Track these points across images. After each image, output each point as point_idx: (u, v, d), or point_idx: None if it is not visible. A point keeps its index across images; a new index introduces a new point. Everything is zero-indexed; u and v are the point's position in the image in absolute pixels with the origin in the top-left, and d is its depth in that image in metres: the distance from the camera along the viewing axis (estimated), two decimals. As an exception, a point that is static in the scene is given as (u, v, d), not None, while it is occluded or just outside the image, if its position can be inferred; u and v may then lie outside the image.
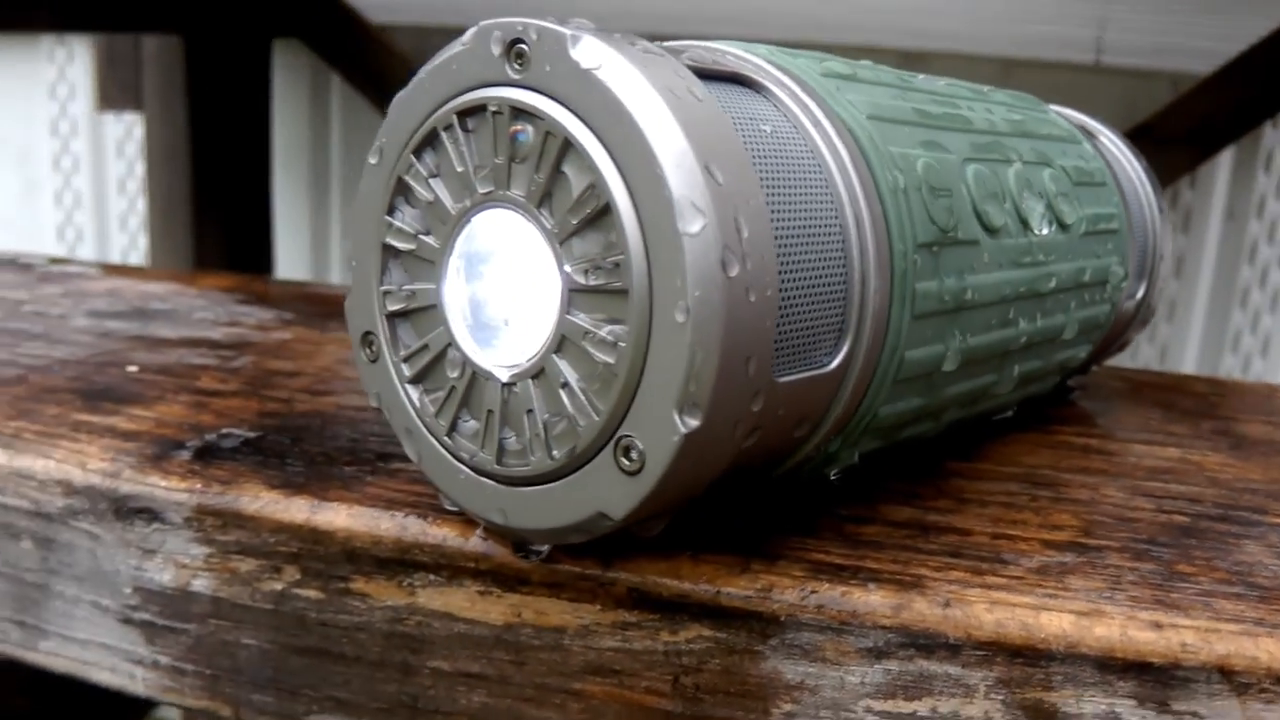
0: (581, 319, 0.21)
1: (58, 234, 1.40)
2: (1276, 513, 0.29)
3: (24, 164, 1.40)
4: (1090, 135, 0.39)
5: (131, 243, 1.38)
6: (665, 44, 0.25)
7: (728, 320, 0.20)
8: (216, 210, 0.96)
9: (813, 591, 0.23)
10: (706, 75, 0.23)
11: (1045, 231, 0.30)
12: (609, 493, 0.21)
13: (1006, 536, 0.26)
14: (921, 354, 0.25)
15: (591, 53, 0.21)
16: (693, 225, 0.20)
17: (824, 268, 0.23)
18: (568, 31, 0.21)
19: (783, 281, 0.22)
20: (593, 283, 0.21)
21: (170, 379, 0.35)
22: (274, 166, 1.07)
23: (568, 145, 0.21)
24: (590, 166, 0.21)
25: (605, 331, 0.21)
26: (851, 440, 0.26)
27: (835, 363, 0.23)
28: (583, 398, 0.21)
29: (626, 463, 0.21)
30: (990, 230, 0.28)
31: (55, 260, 0.55)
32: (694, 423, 0.20)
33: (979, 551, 0.25)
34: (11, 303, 0.44)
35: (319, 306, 0.47)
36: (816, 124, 0.24)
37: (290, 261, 1.25)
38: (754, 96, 0.24)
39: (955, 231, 0.26)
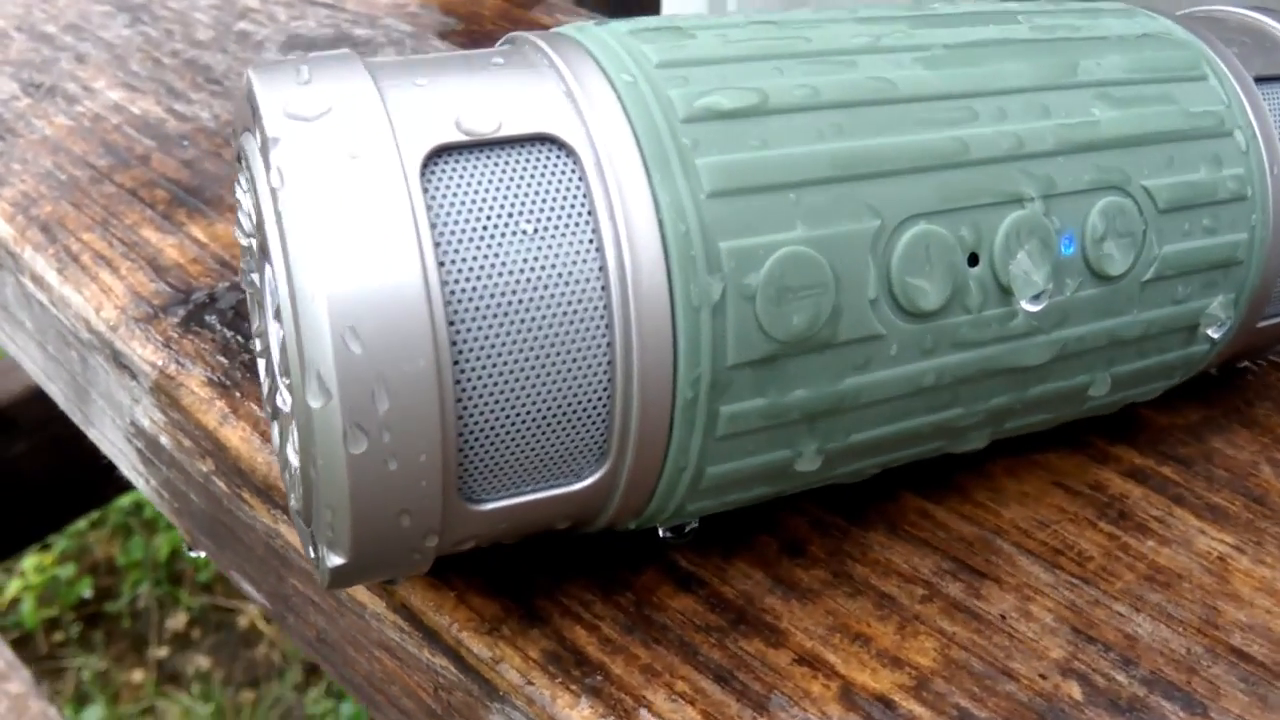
0: (294, 425, 0.21)
1: None
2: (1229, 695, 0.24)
3: None
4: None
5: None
6: (537, 34, 0.22)
7: (356, 488, 0.19)
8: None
9: (530, 683, 0.23)
10: (493, 143, 0.20)
11: (1039, 305, 0.23)
12: (317, 562, 0.22)
13: (816, 662, 0.24)
14: (737, 466, 0.22)
15: (284, 162, 0.19)
16: (316, 401, 0.19)
17: (571, 394, 0.21)
18: (269, 133, 0.19)
19: (499, 413, 0.20)
20: (280, 400, 0.21)
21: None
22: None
23: (266, 246, 0.20)
24: (276, 282, 0.20)
25: (293, 447, 0.21)
26: (655, 523, 0.24)
27: (588, 481, 0.22)
28: (299, 482, 0.22)
29: (313, 554, 0.22)
30: (915, 314, 0.22)
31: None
32: (339, 560, 0.20)
33: (758, 679, 0.23)
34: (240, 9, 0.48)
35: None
36: (613, 214, 0.20)
37: None
38: (548, 170, 0.21)
39: (820, 335, 0.21)
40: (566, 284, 0.20)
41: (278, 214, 0.19)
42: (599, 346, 0.20)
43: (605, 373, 0.21)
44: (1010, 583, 0.26)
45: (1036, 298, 0.24)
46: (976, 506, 0.28)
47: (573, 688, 0.23)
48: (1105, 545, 0.27)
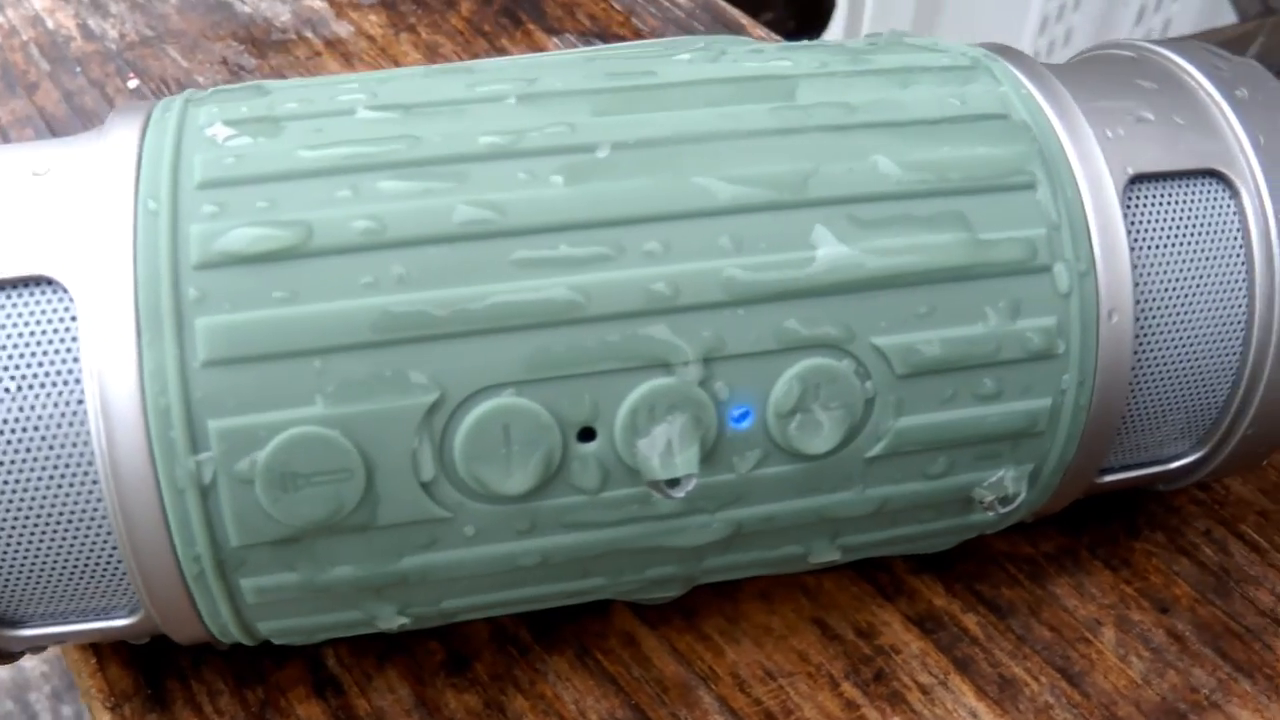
0: None
1: None
2: None
3: None
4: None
5: None
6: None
7: None
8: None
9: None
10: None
11: (683, 491, 0.19)
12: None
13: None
14: (298, 623, 0.20)
15: None
16: None
17: (73, 553, 0.19)
18: None
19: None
20: None
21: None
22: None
23: None
24: None
25: None
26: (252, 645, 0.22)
27: (127, 622, 0.20)
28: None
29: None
30: (494, 498, 0.19)
31: None
32: None
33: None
34: None
35: None
36: (93, 378, 0.18)
37: None
38: (43, 319, 0.18)
39: (351, 520, 0.18)
40: (51, 448, 0.18)
41: None
42: (94, 512, 0.18)
43: (110, 535, 0.19)
44: (683, 762, 0.22)
45: (676, 483, 0.19)
46: (699, 639, 0.24)
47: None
48: (835, 717, 0.23)
